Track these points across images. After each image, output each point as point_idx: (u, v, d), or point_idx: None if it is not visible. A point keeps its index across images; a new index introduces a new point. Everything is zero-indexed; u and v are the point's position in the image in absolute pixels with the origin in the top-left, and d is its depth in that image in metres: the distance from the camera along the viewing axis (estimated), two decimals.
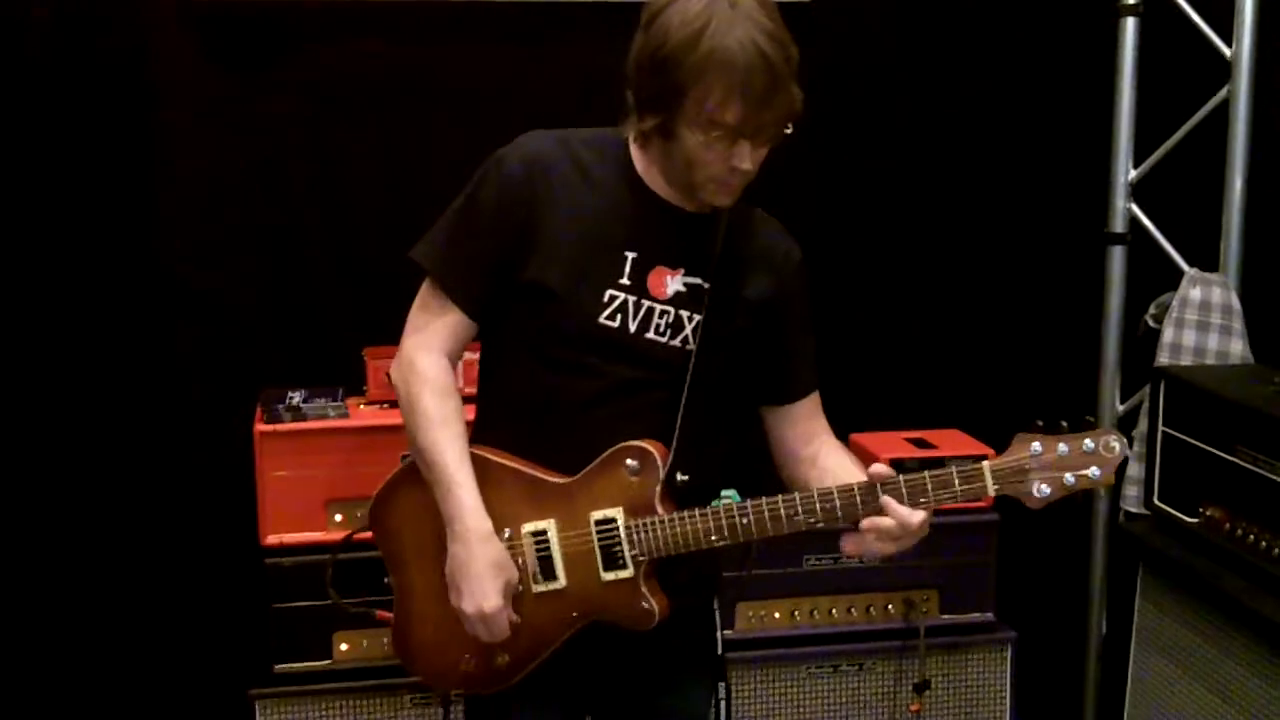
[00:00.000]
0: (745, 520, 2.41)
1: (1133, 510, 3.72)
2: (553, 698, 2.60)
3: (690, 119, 2.30)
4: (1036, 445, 2.33)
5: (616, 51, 2.43)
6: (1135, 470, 3.74)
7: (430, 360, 2.49)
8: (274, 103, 3.73)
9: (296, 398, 3.45)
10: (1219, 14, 3.70)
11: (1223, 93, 3.70)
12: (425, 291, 2.53)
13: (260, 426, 3.37)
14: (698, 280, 2.47)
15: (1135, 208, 3.95)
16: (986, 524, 3.67)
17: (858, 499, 2.37)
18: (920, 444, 3.74)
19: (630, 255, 2.44)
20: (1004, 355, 4.10)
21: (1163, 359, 3.72)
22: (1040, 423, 2.36)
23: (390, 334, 2.60)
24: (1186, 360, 3.69)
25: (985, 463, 2.35)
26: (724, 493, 3.57)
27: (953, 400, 4.00)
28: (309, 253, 3.81)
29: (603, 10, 3.60)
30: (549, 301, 2.42)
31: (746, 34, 2.25)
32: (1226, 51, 3.68)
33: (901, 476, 2.36)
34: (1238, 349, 3.68)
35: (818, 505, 2.39)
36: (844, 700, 3.66)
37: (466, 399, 2.55)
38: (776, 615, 3.62)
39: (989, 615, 3.70)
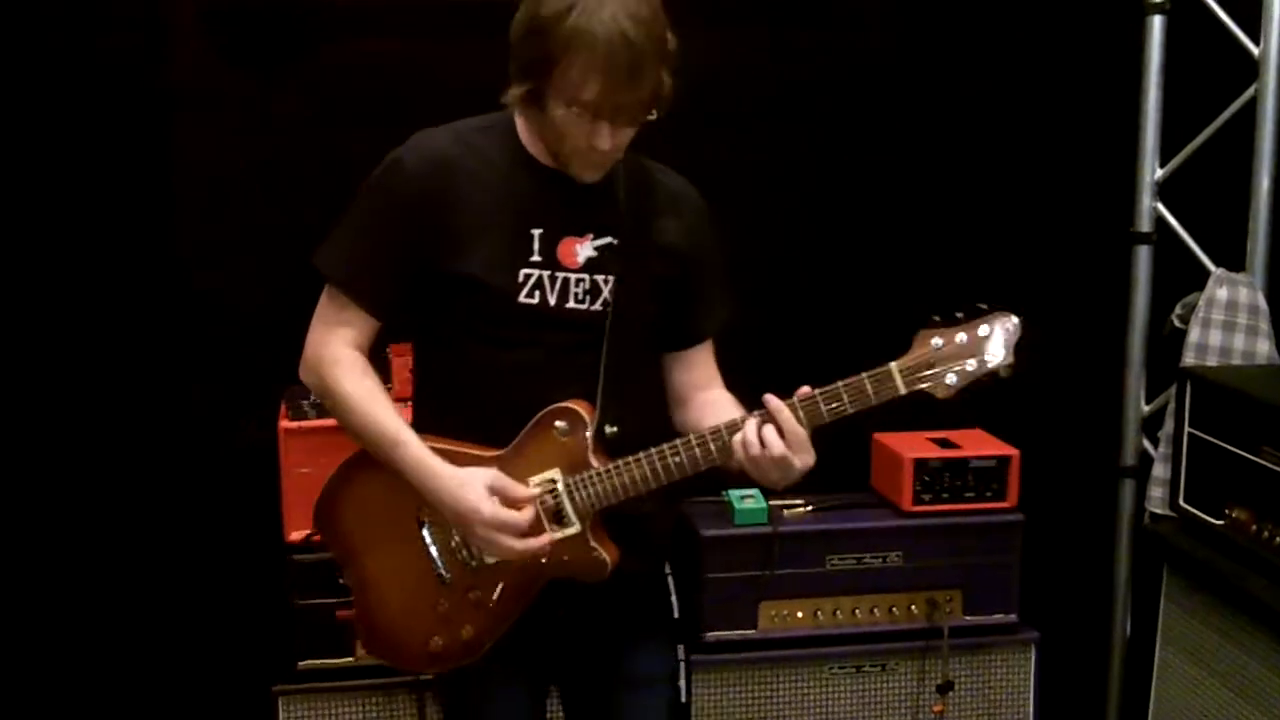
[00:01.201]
0: (677, 459, 2.44)
1: (1158, 511, 3.71)
2: (519, 673, 2.65)
3: (556, 91, 2.34)
4: (937, 339, 2.39)
5: None
6: (1160, 471, 3.73)
7: (338, 351, 2.54)
8: (289, 101, 3.74)
9: None
10: (1247, 12, 3.68)
11: (1250, 91, 3.68)
12: (327, 297, 2.57)
13: (284, 423, 3.39)
14: (607, 240, 2.51)
15: (1161, 207, 3.94)
16: (1010, 524, 3.67)
17: (783, 416, 2.39)
18: (944, 444, 3.73)
19: (536, 232, 2.48)
20: (1031, 355, 4.08)
21: (1188, 359, 3.70)
22: (937, 317, 2.40)
23: (414, 330, 2.62)
24: (1212, 360, 3.67)
25: (892, 364, 2.39)
26: (745, 492, 3.59)
27: (976, 400, 3.98)
28: (310, 263, 3.82)
29: None
30: (468, 291, 2.47)
31: (612, 15, 2.28)
32: (1254, 50, 3.67)
33: (816, 391, 2.39)
34: (1264, 349, 3.66)
35: (725, 437, 2.42)
36: (867, 701, 3.66)
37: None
38: (799, 615, 3.61)
39: (1012, 616, 3.69)
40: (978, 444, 3.74)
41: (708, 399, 2.65)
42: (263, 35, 3.71)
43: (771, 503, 3.62)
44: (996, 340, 2.38)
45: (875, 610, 3.64)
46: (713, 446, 2.43)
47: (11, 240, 3.69)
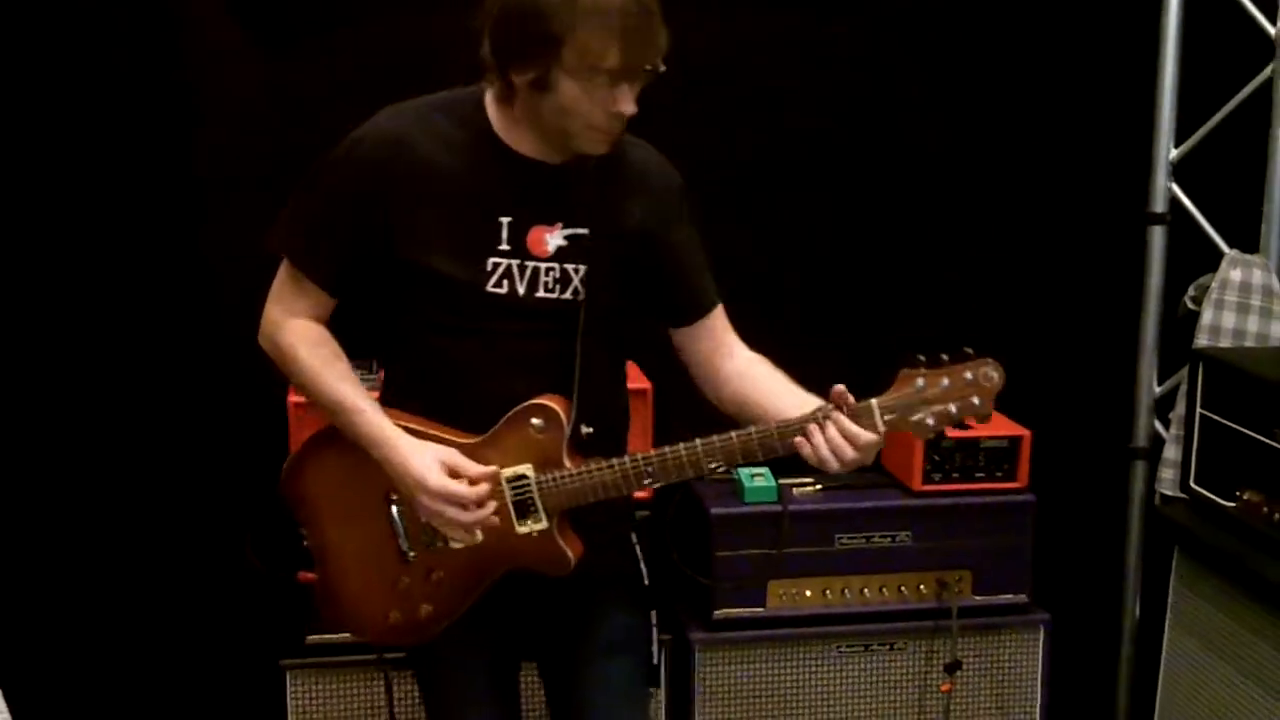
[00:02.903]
0: (650, 468, 2.44)
1: (1169, 493, 3.70)
2: (486, 646, 2.68)
3: (569, 68, 2.30)
4: (920, 381, 2.37)
5: None
6: (1172, 453, 3.72)
7: (294, 321, 2.56)
8: (308, 79, 3.72)
9: None
10: None
11: (1267, 71, 3.66)
12: (284, 271, 2.59)
13: (294, 398, 3.38)
14: (577, 230, 2.50)
15: (1176, 188, 3.92)
16: (1022, 505, 3.66)
17: (755, 441, 2.41)
18: (956, 424, 3.71)
19: (505, 220, 2.46)
20: (1042, 336, 4.07)
21: (1202, 341, 3.69)
22: (922, 357, 2.38)
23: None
24: (1226, 342, 3.66)
25: (873, 401, 2.37)
26: (755, 470, 3.59)
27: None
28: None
29: None
30: (432, 279, 2.46)
31: None
32: (1271, 30, 3.65)
33: (801, 417, 2.39)
34: (1278, 331, 3.65)
35: (718, 449, 2.42)
36: (875, 680, 3.66)
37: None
38: (808, 594, 3.61)
39: (1023, 597, 3.69)
40: (990, 424, 3.71)
41: (747, 368, 2.63)
42: (284, 14, 3.70)
43: (781, 481, 3.61)
44: (978, 388, 2.37)
45: (884, 590, 3.64)
46: (686, 461, 2.43)
47: (31, 221, 3.68)
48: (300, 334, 2.56)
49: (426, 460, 2.44)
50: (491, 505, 2.46)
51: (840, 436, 2.36)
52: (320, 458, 2.62)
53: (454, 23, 3.68)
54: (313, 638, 3.42)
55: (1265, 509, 3.13)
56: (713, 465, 2.44)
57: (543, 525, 2.49)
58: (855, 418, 2.35)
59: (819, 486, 3.66)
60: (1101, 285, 4.11)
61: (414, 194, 2.44)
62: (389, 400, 2.60)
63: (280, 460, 3.37)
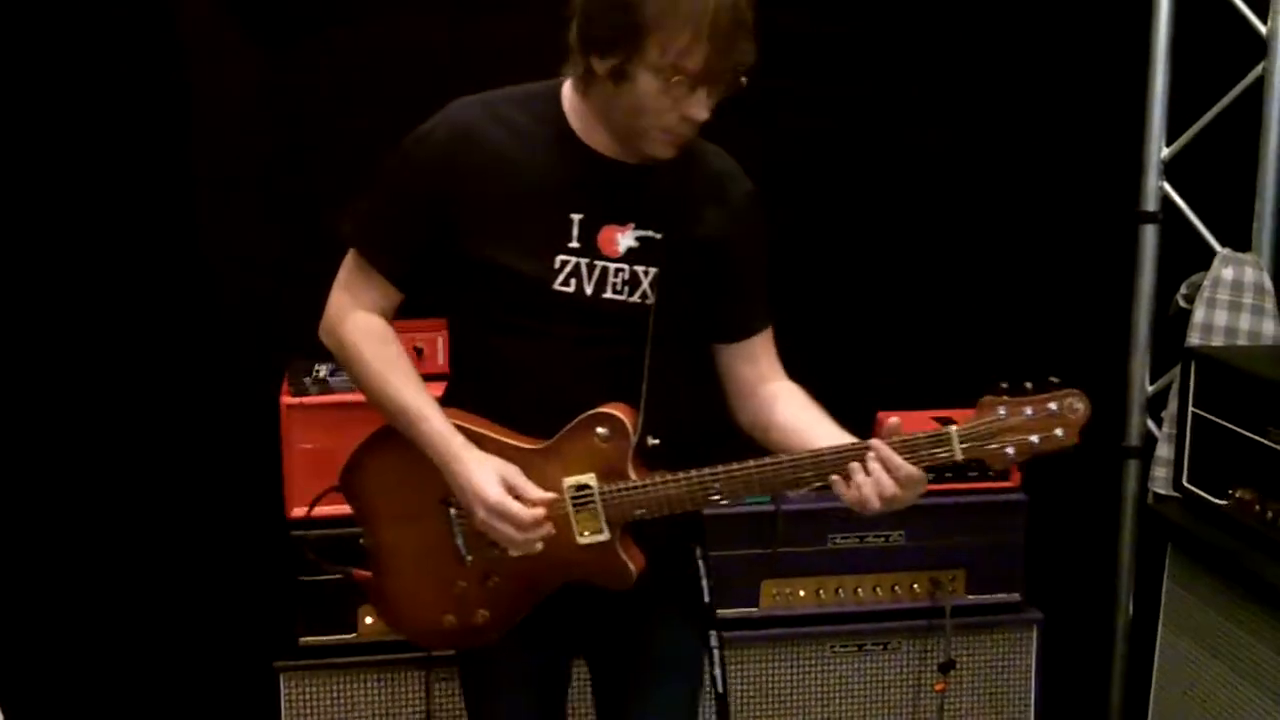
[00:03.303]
0: (715, 485, 2.39)
1: (1161, 492, 3.70)
2: (538, 648, 2.63)
3: (650, 63, 2.25)
4: (1002, 410, 2.33)
5: None
6: (1165, 451, 3.72)
7: (360, 314, 2.51)
8: (308, 75, 3.73)
9: (323, 370, 3.45)
10: None
11: (1257, 70, 3.66)
12: (350, 260, 2.54)
13: (287, 399, 3.38)
14: (650, 233, 2.44)
15: (1168, 186, 3.93)
16: (1015, 504, 3.66)
17: (827, 462, 2.37)
18: (947, 423, 3.71)
19: (576, 217, 2.41)
20: (1034, 334, 4.07)
21: (1194, 339, 3.69)
22: (1005, 385, 2.34)
23: (417, 308, 2.60)
24: (1218, 340, 3.66)
25: (952, 428, 2.34)
26: None
27: (982, 379, 3.96)
28: (338, 225, 3.81)
29: None
30: (499, 275, 2.41)
31: None
32: (1262, 29, 3.65)
33: (872, 444, 2.35)
34: (1269, 329, 3.65)
35: (787, 470, 2.38)
36: (869, 679, 3.66)
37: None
38: (802, 593, 3.61)
39: (1016, 596, 3.69)
40: None
41: (775, 393, 2.59)
42: (281, 11, 3.70)
43: None
44: (1062, 420, 2.32)
45: (878, 589, 3.64)
46: (755, 480, 2.38)
47: (27, 220, 3.68)
48: (364, 330, 2.50)
49: (487, 474, 2.39)
50: (546, 528, 2.40)
51: (881, 468, 2.32)
52: (380, 457, 2.56)
53: (450, 23, 3.75)
54: (306, 640, 3.42)
55: (1258, 507, 3.13)
56: (784, 484, 2.39)
57: (604, 537, 2.43)
58: (932, 445, 2.33)
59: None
60: (1093, 284, 4.11)
61: (482, 186, 2.40)
62: (451, 400, 2.54)
63: (274, 462, 3.40)
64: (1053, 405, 2.32)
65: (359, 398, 3.32)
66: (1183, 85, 3.88)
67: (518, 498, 2.39)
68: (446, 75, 3.74)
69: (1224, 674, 3.28)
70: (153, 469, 3.80)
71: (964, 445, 2.34)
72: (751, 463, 2.38)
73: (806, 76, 3.91)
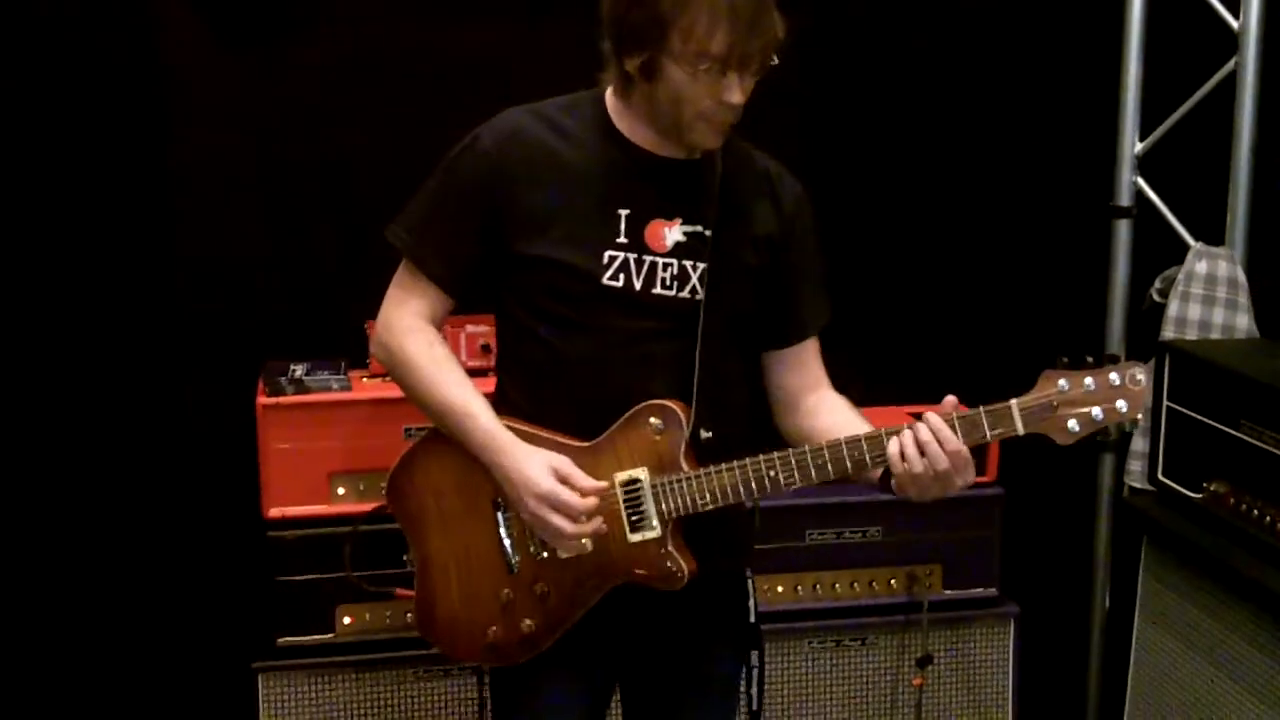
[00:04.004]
0: (773, 473, 2.39)
1: (1137, 485, 3.72)
2: (580, 668, 2.58)
3: (676, 53, 2.28)
4: (1063, 382, 2.32)
5: None
6: (1140, 445, 3.74)
7: (409, 322, 2.51)
8: (283, 80, 3.72)
9: (299, 370, 3.44)
10: None
11: (1230, 65, 3.68)
12: (402, 269, 2.55)
13: (262, 399, 3.37)
14: (697, 228, 2.46)
15: (1141, 181, 3.94)
16: (990, 498, 3.66)
17: (878, 438, 2.37)
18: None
19: (623, 213, 2.43)
20: (1009, 329, 4.08)
21: (1168, 333, 3.70)
22: (1065, 359, 2.33)
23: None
24: (1192, 334, 3.68)
25: (1013, 401, 2.33)
26: None
27: (956, 374, 3.97)
28: (313, 227, 3.81)
29: None
30: (549, 271, 2.42)
31: None
32: (1234, 24, 3.66)
33: (925, 415, 2.34)
34: (1243, 323, 3.67)
35: (845, 453, 2.38)
36: (846, 675, 3.66)
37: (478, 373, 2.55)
38: (779, 589, 3.61)
39: (992, 590, 3.70)
40: None
41: (820, 403, 2.59)
42: (258, 15, 3.69)
43: None
44: (1124, 391, 2.31)
45: (855, 585, 3.64)
46: (812, 467, 2.38)
47: (4, 225, 3.67)
48: (414, 335, 2.50)
49: (538, 464, 2.38)
50: (599, 521, 2.39)
51: (934, 439, 2.31)
52: (426, 461, 2.55)
53: (432, 30, 3.75)
54: (283, 640, 3.41)
55: (1232, 500, 3.15)
56: (841, 469, 2.38)
57: (655, 534, 2.42)
58: (993, 420, 2.32)
59: None
60: (1067, 278, 4.12)
61: (531, 186, 2.42)
62: (500, 404, 2.53)
63: (250, 462, 3.39)
64: (1115, 377, 2.31)
65: (335, 397, 3.38)
66: (1156, 80, 3.89)
67: (571, 485, 2.39)
68: (427, 82, 3.75)
69: (1200, 666, 3.29)
70: (130, 470, 3.79)
71: (1025, 417, 2.33)
72: (808, 449, 2.39)
73: (774, 70, 3.92)
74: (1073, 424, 2.32)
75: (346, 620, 3.41)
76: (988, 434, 2.34)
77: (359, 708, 3.45)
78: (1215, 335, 3.67)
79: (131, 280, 3.74)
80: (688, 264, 2.45)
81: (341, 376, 3.42)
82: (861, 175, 4.04)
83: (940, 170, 4.07)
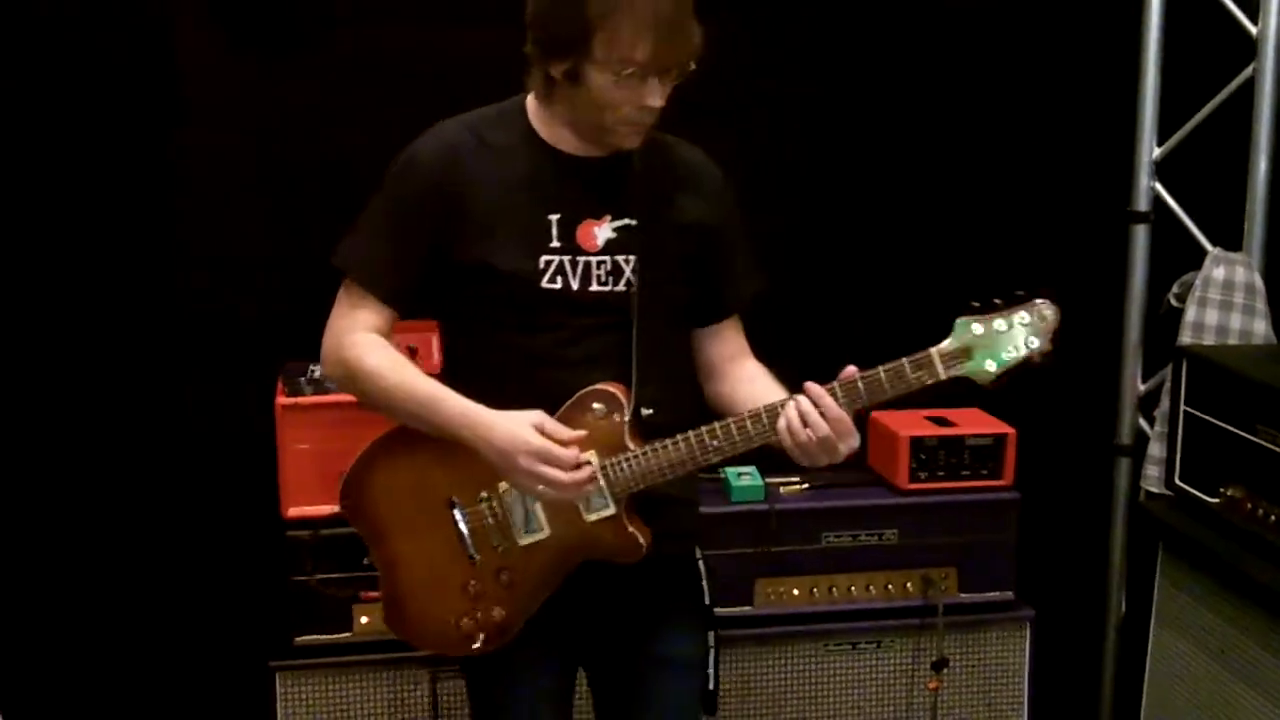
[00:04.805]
0: (715, 442, 2.45)
1: (1153, 490, 3.71)
2: (548, 652, 2.65)
3: (599, 60, 2.34)
4: (977, 326, 2.39)
5: None
6: (1156, 450, 3.74)
7: (360, 335, 2.54)
8: (296, 84, 3.74)
9: (318, 371, 3.45)
10: None
11: (1248, 71, 3.68)
12: (347, 289, 2.58)
13: (282, 399, 3.38)
14: (626, 221, 2.52)
15: (1159, 186, 3.94)
16: (1007, 502, 3.67)
17: (825, 401, 2.41)
18: (940, 422, 3.73)
19: (554, 217, 2.49)
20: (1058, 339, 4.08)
21: (1185, 338, 3.70)
22: (976, 303, 2.40)
23: (408, 312, 2.62)
24: (1209, 340, 3.68)
25: (933, 349, 2.40)
26: (742, 469, 3.60)
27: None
28: (331, 229, 3.82)
29: None
30: (490, 280, 2.48)
31: None
32: (1252, 29, 3.66)
33: (858, 374, 2.40)
34: (1261, 329, 3.67)
35: (748, 423, 2.44)
36: (862, 678, 3.67)
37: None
38: (795, 592, 3.62)
39: (1008, 594, 3.70)
40: (974, 422, 3.74)
41: (742, 372, 2.67)
42: (270, 20, 3.71)
43: (768, 480, 3.62)
44: (1034, 327, 2.39)
45: (871, 588, 3.65)
46: (751, 430, 2.43)
47: (13, 225, 3.69)
48: (365, 345, 2.54)
49: (521, 424, 2.42)
50: (589, 470, 2.44)
51: (812, 407, 2.38)
52: (379, 469, 2.60)
53: (437, 34, 3.76)
54: (301, 639, 3.42)
55: (1249, 505, 3.15)
56: (758, 432, 2.43)
57: (610, 511, 2.48)
58: (916, 368, 2.38)
59: (805, 485, 3.66)
60: (1085, 283, 4.10)
61: (468, 198, 2.47)
62: None
63: (269, 462, 3.40)
64: (1024, 314, 2.39)
65: (354, 398, 3.37)
66: (1174, 85, 3.89)
67: (553, 438, 2.43)
68: (428, 83, 3.76)
69: (1216, 671, 3.29)
70: (149, 470, 3.81)
71: (945, 363, 2.39)
72: (747, 414, 2.44)
73: (790, 77, 3.93)
74: (989, 364, 2.39)
75: (364, 620, 3.42)
76: (912, 382, 2.40)
77: (375, 707, 3.46)
78: (1232, 341, 3.67)
79: (150, 284, 3.77)
80: (620, 259, 2.52)
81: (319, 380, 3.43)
82: (881, 181, 4.04)
83: (959, 175, 4.07)
